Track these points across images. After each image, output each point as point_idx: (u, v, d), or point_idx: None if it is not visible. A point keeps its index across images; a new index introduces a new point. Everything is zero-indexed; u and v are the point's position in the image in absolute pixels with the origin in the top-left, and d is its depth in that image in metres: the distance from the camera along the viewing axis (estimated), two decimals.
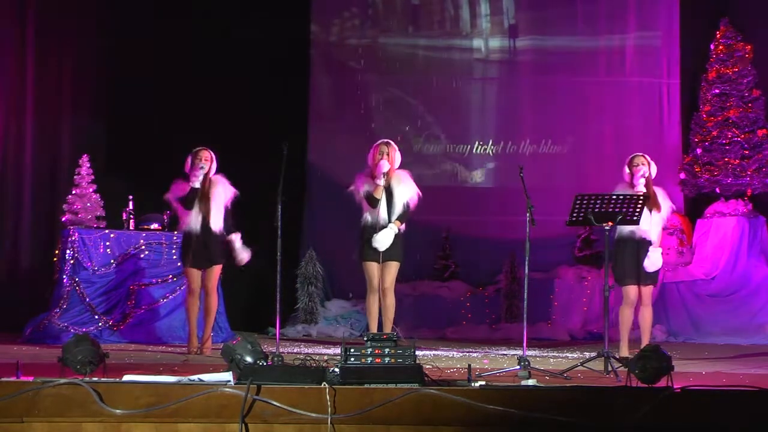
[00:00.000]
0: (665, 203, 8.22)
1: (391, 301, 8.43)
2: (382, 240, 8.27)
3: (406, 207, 8.38)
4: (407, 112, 12.49)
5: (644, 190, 8.01)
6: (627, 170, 8.25)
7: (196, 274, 8.56)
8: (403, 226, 8.38)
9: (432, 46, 12.65)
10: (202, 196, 8.49)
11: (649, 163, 8.23)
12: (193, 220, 8.50)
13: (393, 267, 8.40)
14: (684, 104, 12.22)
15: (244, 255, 8.67)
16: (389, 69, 12.53)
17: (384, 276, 8.38)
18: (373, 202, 8.32)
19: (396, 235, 8.33)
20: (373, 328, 8.45)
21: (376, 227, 8.30)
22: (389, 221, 8.31)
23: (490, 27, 12.67)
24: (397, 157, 8.43)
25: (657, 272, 8.26)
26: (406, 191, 8.39)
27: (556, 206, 10.63)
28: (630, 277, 8.12)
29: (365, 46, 12.60)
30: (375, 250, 8.31)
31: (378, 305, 8.46)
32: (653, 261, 8.10)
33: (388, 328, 8.44)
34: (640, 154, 8.34)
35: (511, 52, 12.63)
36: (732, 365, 7.94)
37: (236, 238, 8.61)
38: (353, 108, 12.57)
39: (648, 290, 8.23)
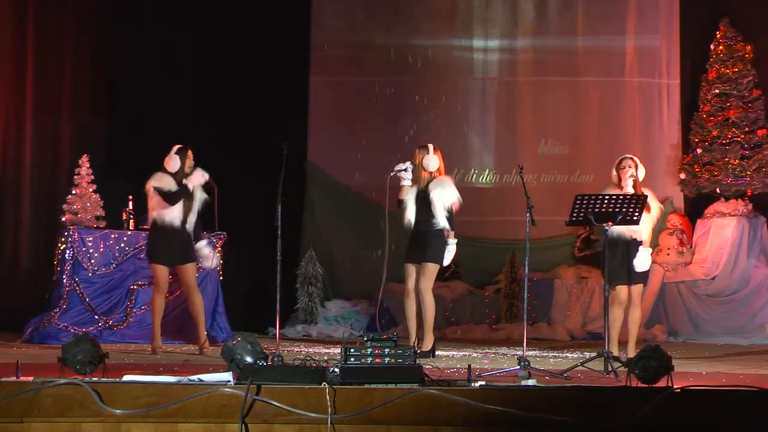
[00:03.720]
0: (654, 204, 8.16)
1: (429, 302, 8.45)
2: (449, 256, 8.46)
3: (449, 212, 8.42)
4: (406, 112, 12.46)
5: (632, 191, 7.96)
6: (614, 172, 8.22)
7: (165, 271, 8.57)
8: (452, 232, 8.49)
9: (432, 45, 12.63)
10: (189, 196, 8.52)
11: (636, 165, 8.17)
12: (174, 215, 8.47)
13: (428, 268, 8.43)
14: (684, 104, 12.21)
15: (213, 261, 8.67)
16: (389, 69, 12.50)
17: (419, 277, 8.43)
18: (399, 203, 8.48)
19: (436, 238, 8.40)
20: (411, 330, 8.46)
21: (409, 228, 8.43)
22: (415, 222, 8.39)
23: (490, 27, 12.65)
24: (430, 160, 8.44)
25: (647, 272, 8.20)
26: (445, 196, 8.40)
27: (556, 206, 10.67)
28: (620, 277, 8.07)
29: (365, 46, 12.58)
30: (413, 252, 8.42)
31: (414, 307, 8.49)
32: (641, 260, 8.04)
33: (429, 329, 8.47)
34: (629, 156, 8.29)
35: (511, 52, 12.62)
36: (732, 365, 7.94)
37: (203, 245, 8.61)
38: (353, 108, 12.55)
39: (637, 290, 8.18)
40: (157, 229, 8.52)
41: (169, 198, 8.45)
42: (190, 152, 8.59)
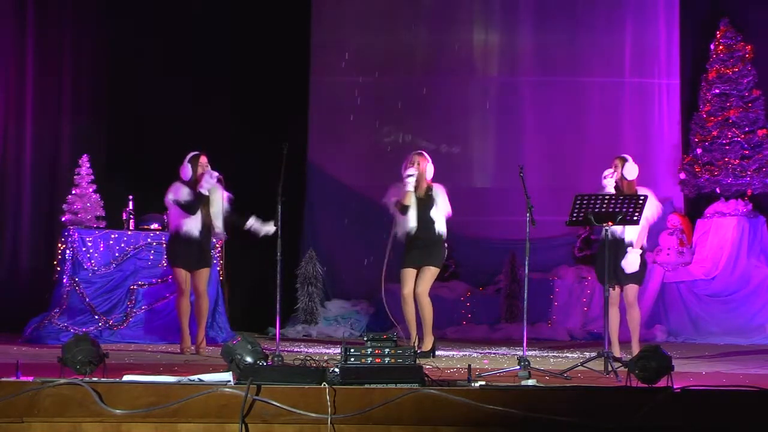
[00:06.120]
0: (648, 203, 8.06)
1: (426, 304, 8.44)
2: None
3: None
4: (407, 112, 12.45)
5: (612, 192, 7.92)
6: None
7: (185, 274, 8.60)
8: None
9: (431, 45, 12.62)
10: (206, 201, 8.53)
11: (623, 164, 8.12)
12: (192, 224, 8.50)
13: (430, 272, 8.44)
14: (684, 104, 12.21)
15: (268, 228, 8.55)
16: (389, 69, 12.49)
17: (418, 280, 8.43)
18: (404, 209, 8.41)
19: (437, 243, 8.42)
20: (411, 332, 8.44)
21: (407, 235, 8.39)
22: (419, 228, 8.37)
23: (490, 26, 12.65)
24: (429, 168, 8.48)
25: (639, 272, 8.07)
26: (445, 205, 8.46)
27: (556, 206, 10.66)
28: (609, 278, 8.01)
29: (365, 46, 12.57)
30: (412, 256, 8.41)
31: (412, 310, 8.47)
32: (630, 262, 7.96)
33: (428, 331, 8.46)
34: (619, 156, 8.26)
35: (512, 52, 12.61)
36: (732, 365, 7.94)
37: (252, 222, 8.56)
38: (353, 108, 12.54)
39: (631, 290, 8.10)
40: (177, 237, 8.56)
41: (187, 208, 8.46)
42: (202, 159, 8.57)
